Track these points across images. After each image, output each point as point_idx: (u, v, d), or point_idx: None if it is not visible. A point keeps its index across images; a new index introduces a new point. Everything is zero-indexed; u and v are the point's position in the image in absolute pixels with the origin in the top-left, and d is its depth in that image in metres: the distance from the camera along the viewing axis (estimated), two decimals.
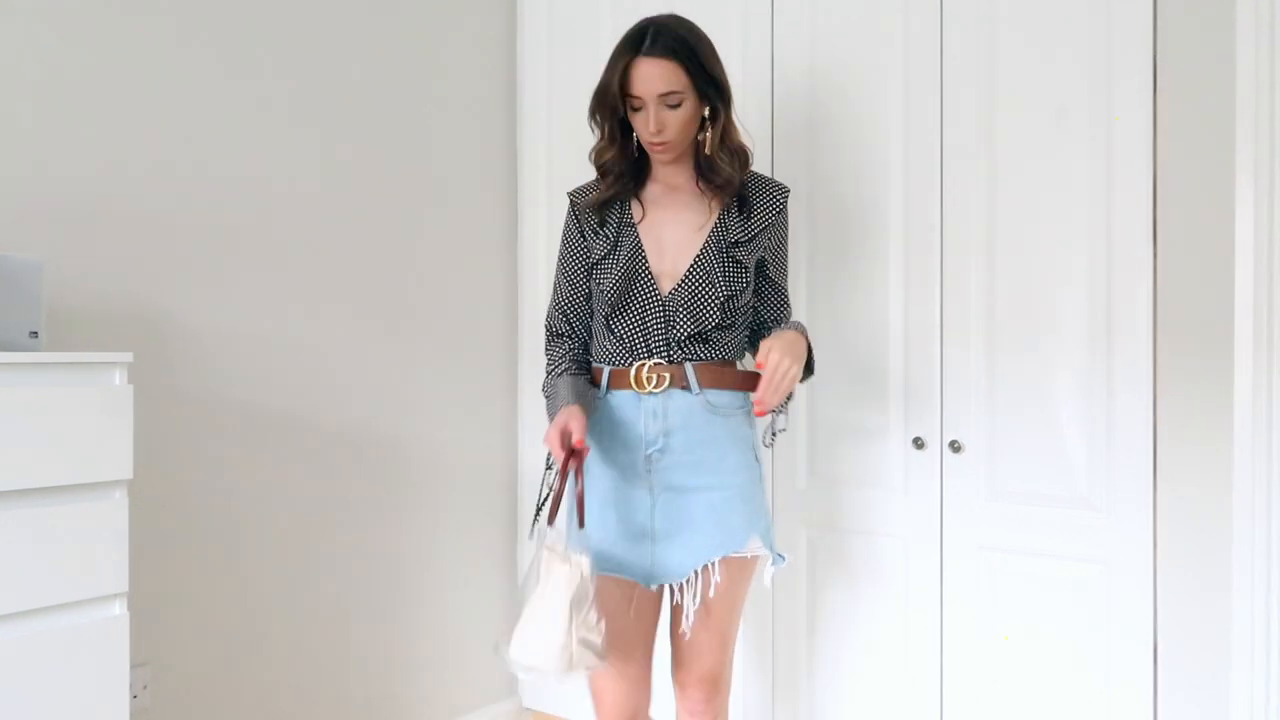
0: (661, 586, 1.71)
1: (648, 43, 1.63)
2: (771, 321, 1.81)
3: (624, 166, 1.75)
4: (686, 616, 1.69)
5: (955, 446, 2.10)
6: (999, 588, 2.06)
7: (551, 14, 2.71)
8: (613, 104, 1.67)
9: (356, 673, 2.37)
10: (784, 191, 1.80)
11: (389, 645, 2.44)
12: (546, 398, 1.78)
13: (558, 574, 1.54)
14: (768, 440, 1.75)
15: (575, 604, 1.52)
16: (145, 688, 1.95)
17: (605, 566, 1.67)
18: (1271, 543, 1.78)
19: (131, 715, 1.68)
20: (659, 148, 1.69)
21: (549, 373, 1.82)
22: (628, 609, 1.69)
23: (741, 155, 1.75)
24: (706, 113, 1.71)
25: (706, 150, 1.72)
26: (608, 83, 1.67)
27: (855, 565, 2.25)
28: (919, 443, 2.14)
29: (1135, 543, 1.91)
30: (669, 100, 1.64)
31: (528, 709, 2.77)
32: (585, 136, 2.17)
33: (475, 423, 2.65)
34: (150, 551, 1.94)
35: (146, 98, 1.98)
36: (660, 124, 1.65)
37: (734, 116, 1.75)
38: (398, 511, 2.46)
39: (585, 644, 1.52)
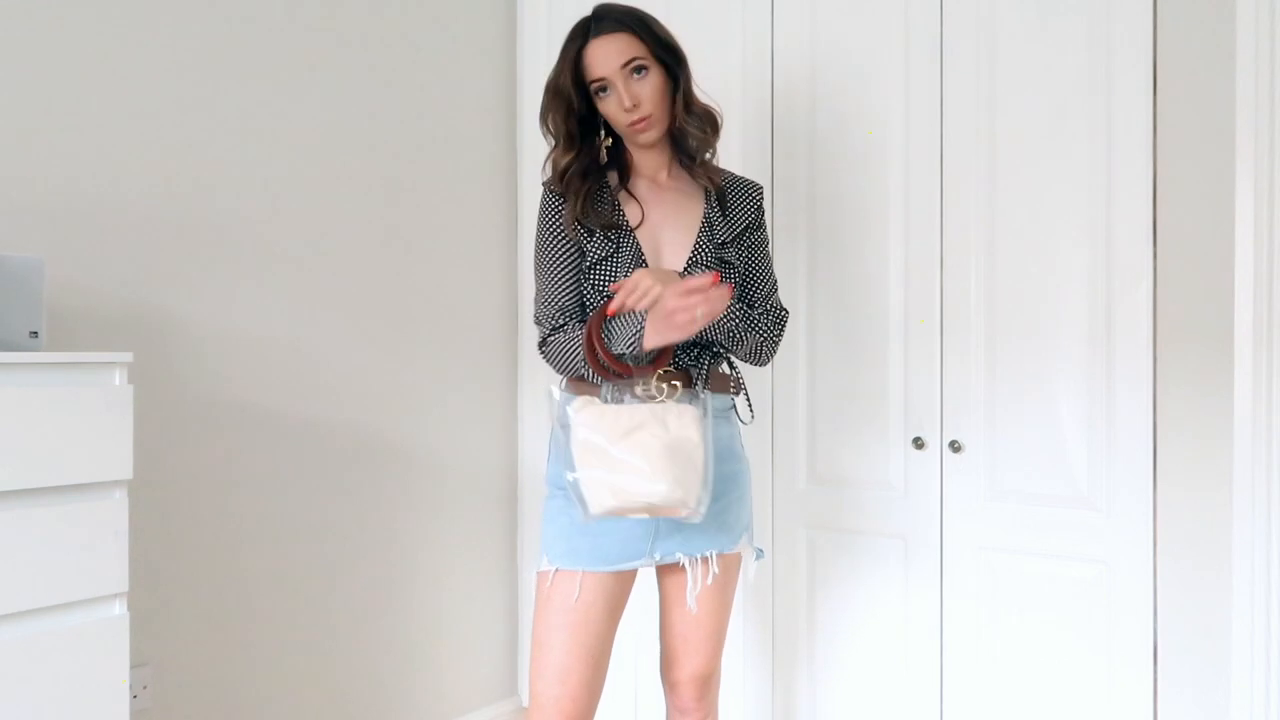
0: (631, 585, 1.67)
1: (593, 26, 1.60)
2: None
3: (588, 167, 1.65)
4: (694, 587, 1.65)
5: (955, 446, 2.10)
6: (999, 588, 2.06)
7: (551, 14, 2.71)
8: (567, 98, 1.60)
9: (356, 672, 2.37)
10: (759, 190, 1.75)
11: (389, 645, 2.44)
12: (566, 349, 1.61)
13: (677, 414, 1.49)
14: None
15: (676, 446, 1.48)
16: (145, 688, 1.95)
17: (601, 563, 1.61)
18: (1271, 542, 1.78)
19: (131, 715, 1.68)
20: (641, 125, 1.61)
21: (572, 338, 1.62)
22: (601, 601, 1.62)
23: (708, 118, 1.67)
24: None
25: (676, 124, 1.64)
26: (557, 77, 1.60)
27: (855, 565, 2.25)
28: (919, 443, 2.15)
29: (1135, 542, 1.91)
30: (633, 67, 1.58)
31: (527, 709, 2.77)
32: None
33: (475, 423, 2.65)
34: (150, 551, 1.94)
35: (147, 98, 1.98)
36: (634, 97, 1.58)
37: (693, 82, 1.66)
38: (398, 511, 2.46)
39: (682, 484, 1.47)
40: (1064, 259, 1.99)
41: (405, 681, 2.48)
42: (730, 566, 1.70)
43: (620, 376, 1.55)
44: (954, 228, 2.10)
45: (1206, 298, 1.84)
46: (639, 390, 1.55)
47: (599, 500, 1.48)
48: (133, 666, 1.70)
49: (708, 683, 1.75)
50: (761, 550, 1.77)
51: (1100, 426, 1.95)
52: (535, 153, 2.74)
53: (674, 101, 1.63)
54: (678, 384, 1.57)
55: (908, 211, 2.16)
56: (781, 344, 2.36)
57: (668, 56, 1.61)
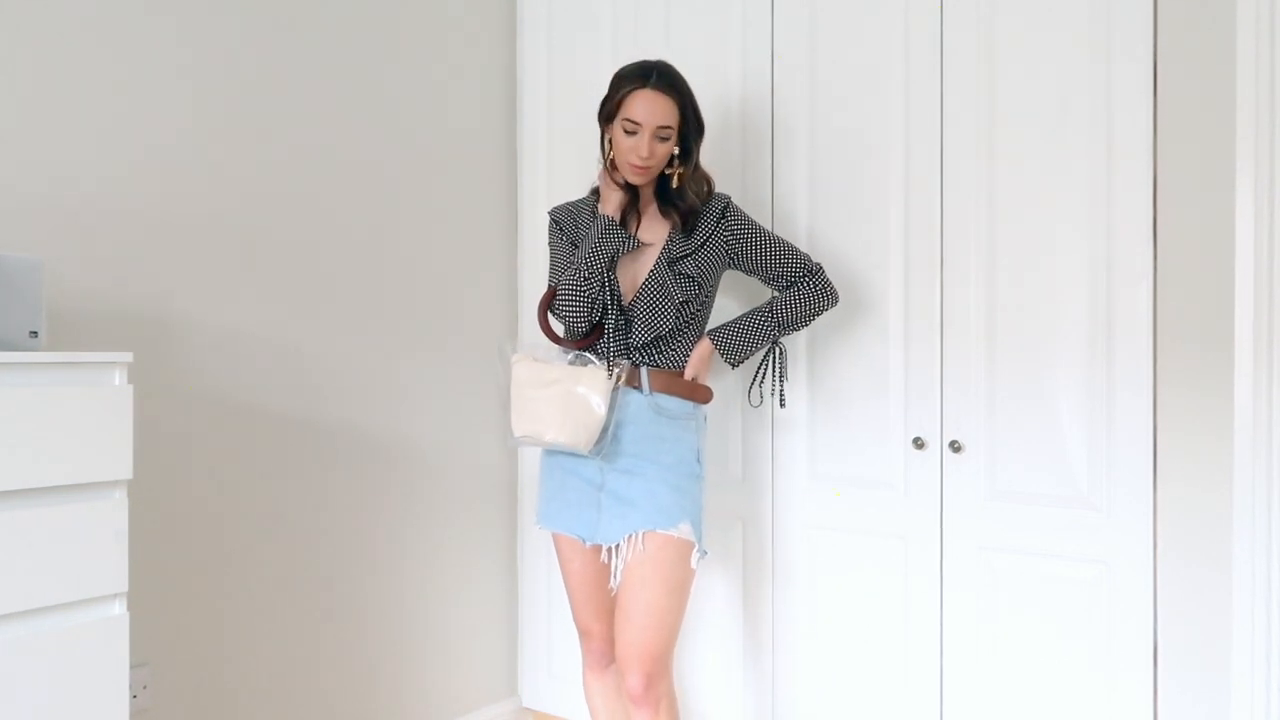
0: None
1: (654, 78, 1.86)
2: (792, 277, 2.04)
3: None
4: (614, 574, 1.89)
5: (955, 446, 2.10)
6: (999, 588, 2.06)
7: (551, 14, 2.71)
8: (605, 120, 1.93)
9: (356, 672, 2.37)
10: (721, 202, 2.00)
11: (389, 645, 2.44)
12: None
13: (589, 376, 1.85)
14: (754, 401, 2.23)
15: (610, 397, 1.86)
16: (145, 688, 1.95)
17: (559, 525, 1.97)
18: (1271, 542, 1.78)
19: (131, 715, 1.68)
20: (641, 171, 1.89)
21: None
22: (581, 563, 1.98)
23: (708, 184, 2.00)
24: (677, 151, 1.91)
25: (675, 183, 1.94)
26: (605, 101, 1.92)
27: (855, 565, 2.25)
28: (919, 443, 2.15)
29: (1135, 542, 1.91)
30: (661, 134, 1.87)
31: (527, 709, 2.77)
32: (585, 139, 2.18)
33: (475, 423, 2.65)
34: (150, 551, 1.94)
35: (146, 98, 1.98)
36: (651, 152, 1.87)
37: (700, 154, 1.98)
38: (398, 511, 2.46)
39: (574, 431, 1.86)
40: (1064, 259, 1.98)
41: (405, 681, 2.48)
42: (668, 546, 1.85)
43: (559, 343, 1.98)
44: (954, 227, 2.10)
45: (1206, 298, 1.84)
46: (570, 356, 1.93)
47: (518, 428, 1.90)
48: (133, 666, 1.70)
49: (651, 668, 1.86)
50: (705, 550, 1.92)
51: (1100, 426, 1.95)
52: (535, 154, 2.75)
53: (680, 166, 1.93)
54: (624, 375, 1.89)
55: (907, 211, 2.16)
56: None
57: (691, 132, 1.91)
